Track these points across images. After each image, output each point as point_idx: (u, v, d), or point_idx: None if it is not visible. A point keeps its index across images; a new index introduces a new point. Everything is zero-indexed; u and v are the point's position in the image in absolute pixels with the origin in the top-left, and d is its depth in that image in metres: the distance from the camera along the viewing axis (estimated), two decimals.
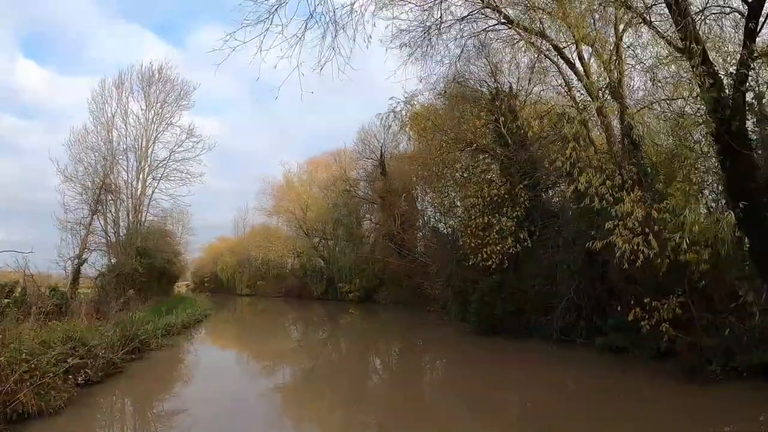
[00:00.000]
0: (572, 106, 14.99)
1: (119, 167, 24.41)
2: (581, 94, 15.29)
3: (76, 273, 18.49)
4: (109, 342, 11.09)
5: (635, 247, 8.01)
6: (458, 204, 17.81)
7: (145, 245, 22.64)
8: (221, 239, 69.40)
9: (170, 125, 25.99)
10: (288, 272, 50.85)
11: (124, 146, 24.77)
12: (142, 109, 25.69)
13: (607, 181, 8.39)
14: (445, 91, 17.82)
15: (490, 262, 13.79)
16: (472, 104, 18.54)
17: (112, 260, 23.33)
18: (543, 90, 20.07)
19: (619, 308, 9.54)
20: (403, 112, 25.52)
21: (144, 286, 24.14)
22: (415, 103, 24.53)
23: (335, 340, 20.95)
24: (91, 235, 19.58)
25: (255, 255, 51.34)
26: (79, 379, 8.98)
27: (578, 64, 14.44)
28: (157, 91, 26.36)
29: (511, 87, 19.07)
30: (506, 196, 14.03)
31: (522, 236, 13.72)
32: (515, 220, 13.90)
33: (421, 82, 19.27)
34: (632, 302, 9.75)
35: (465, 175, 15.00)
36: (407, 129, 25.29)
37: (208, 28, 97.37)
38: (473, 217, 14.01)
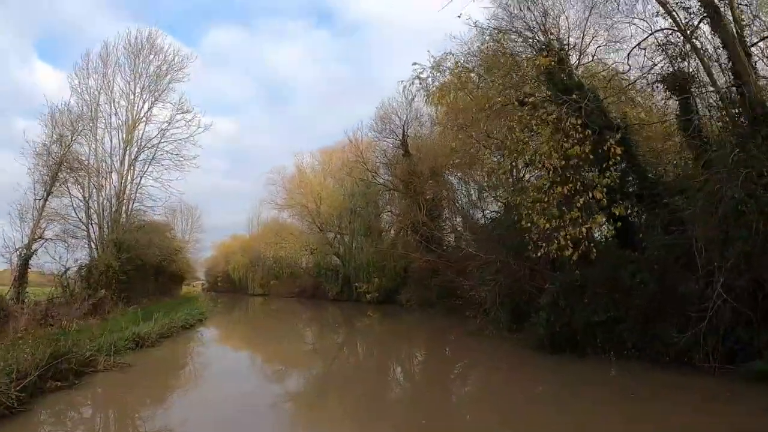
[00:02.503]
0: (675, 30, 10.87)
1: (103, 149, 20.97)
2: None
3: (23, 268, 14.94)
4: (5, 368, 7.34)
5: None
6: (511, 179, 13.68)
7: (128, 238, 19.03)
8: (234, 237, 66.91)
9: (159, 100, 22.44)
10: (302, 271, 47.22)
11: (108, 124, 21.37)
12: (128, 82, 22.23)
13: None
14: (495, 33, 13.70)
15: (569, 252, 9.62)
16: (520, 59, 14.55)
17: (94, 254, 19.94)
18: (602, 45, 16.41)
19: None
20: (430, 79, 21.51)
21: (128, 285, 20.63)
22: (444, 69, 20.59)
23: (352, 348, 17.00)
24: (50, 223, 16.04)
25: (265, 252, 47.83)
26: None
27: None
28: (146, 63, 22.87)
29: (560, 40, 15.16)
30: (590, 156, 9.81)
31: (617, 212, 9.51)
32: (605, 190, 9.67)
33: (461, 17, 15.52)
34: None
35: (525, 134, 10.73)
36: (435, 99, 21.31)
37: (222, 28, 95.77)
38: (544, 188, 9.81)
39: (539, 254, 10.13)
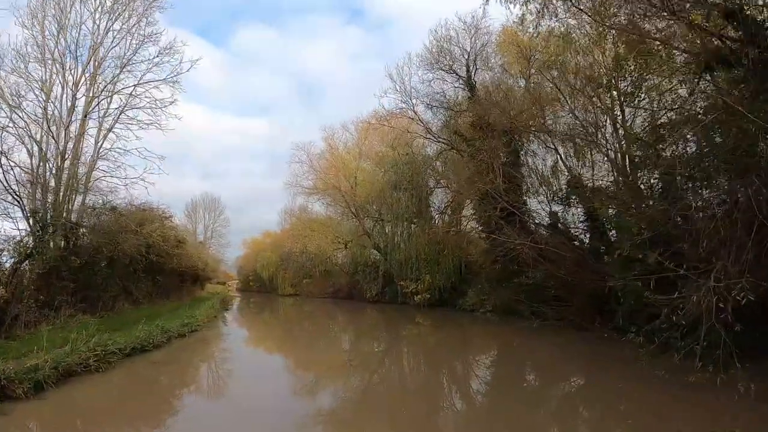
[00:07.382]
0: None
1: (33, 84, 14.86)
2: None
3: None
4: None
5: None
6: None
7: (60, 216, 12.72)
8: (266, 233, 61.63)
9: (128, 31, 16.18)
10: (337, 268, 40.43)
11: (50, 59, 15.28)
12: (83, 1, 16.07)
13: None
14: None
15: None
16: None
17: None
18: None
19: None
20: None
21: (86, 284, 14.43)
22: None
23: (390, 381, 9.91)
24: None
25: (292, 247, 41.44)
26: None
27: None
28: None
29: None
30: None
31: None
32: None
33: None
34: None
35: None
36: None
37: (250, 28, 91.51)
38: None
39: None
